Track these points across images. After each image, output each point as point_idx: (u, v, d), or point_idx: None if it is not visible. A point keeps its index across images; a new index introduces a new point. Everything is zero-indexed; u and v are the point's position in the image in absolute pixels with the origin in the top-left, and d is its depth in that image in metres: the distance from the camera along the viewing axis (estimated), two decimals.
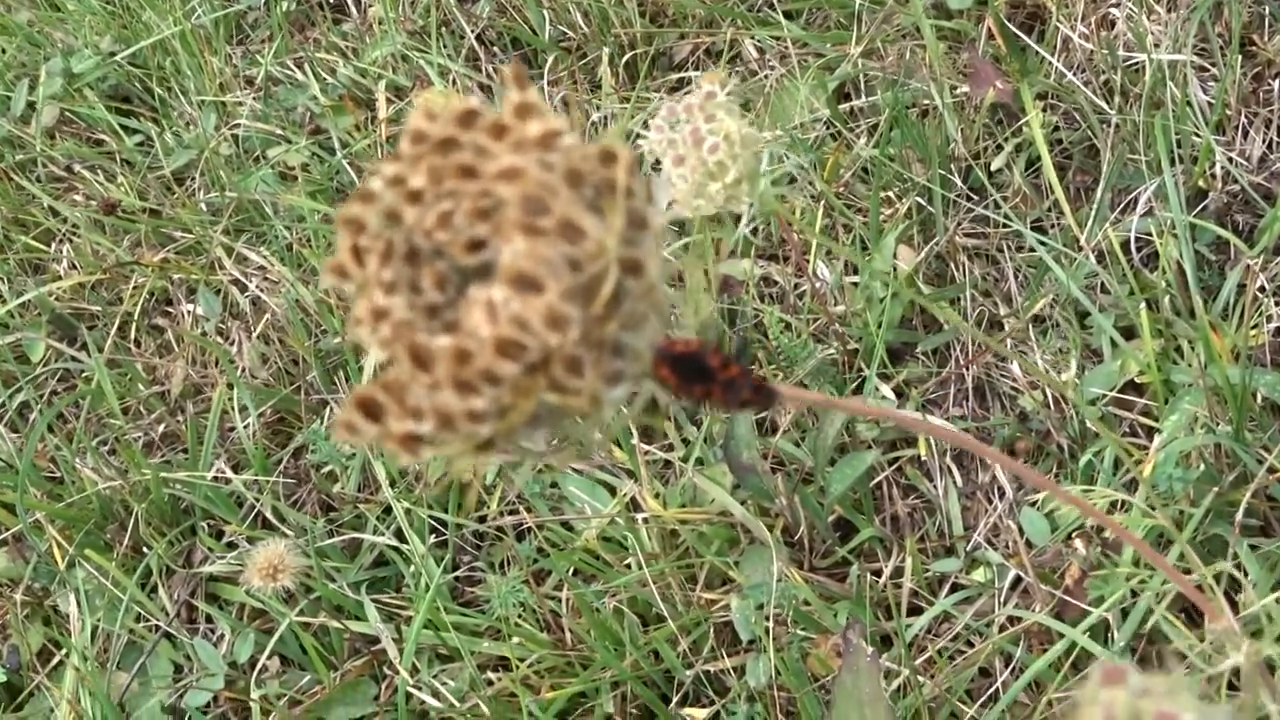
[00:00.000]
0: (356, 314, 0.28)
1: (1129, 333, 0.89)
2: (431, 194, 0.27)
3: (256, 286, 1.02)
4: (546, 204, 0.26)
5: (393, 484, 0.95)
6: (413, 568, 0.92)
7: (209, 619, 0.96)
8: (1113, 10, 0.97)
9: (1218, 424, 0.84)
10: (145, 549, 0.97)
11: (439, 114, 0.28)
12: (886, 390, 0.93)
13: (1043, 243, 0.92)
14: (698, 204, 0.56)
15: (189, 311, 1.04)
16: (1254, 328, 0.89)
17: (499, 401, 0.26)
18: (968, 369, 0.92)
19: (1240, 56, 0.95)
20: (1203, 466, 0.84)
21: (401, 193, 0.27)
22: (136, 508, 0.97)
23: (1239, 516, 0.80)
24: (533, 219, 0.26)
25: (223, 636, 0.95)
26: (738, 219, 0.99)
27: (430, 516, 0.94)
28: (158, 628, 0.96)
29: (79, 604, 0.96)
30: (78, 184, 1.13)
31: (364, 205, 0.28)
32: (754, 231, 0.98)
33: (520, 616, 0.90)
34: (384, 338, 0.27)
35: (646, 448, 0.94)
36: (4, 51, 1.19)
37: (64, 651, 0.96)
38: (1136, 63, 0.95)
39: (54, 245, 1.11)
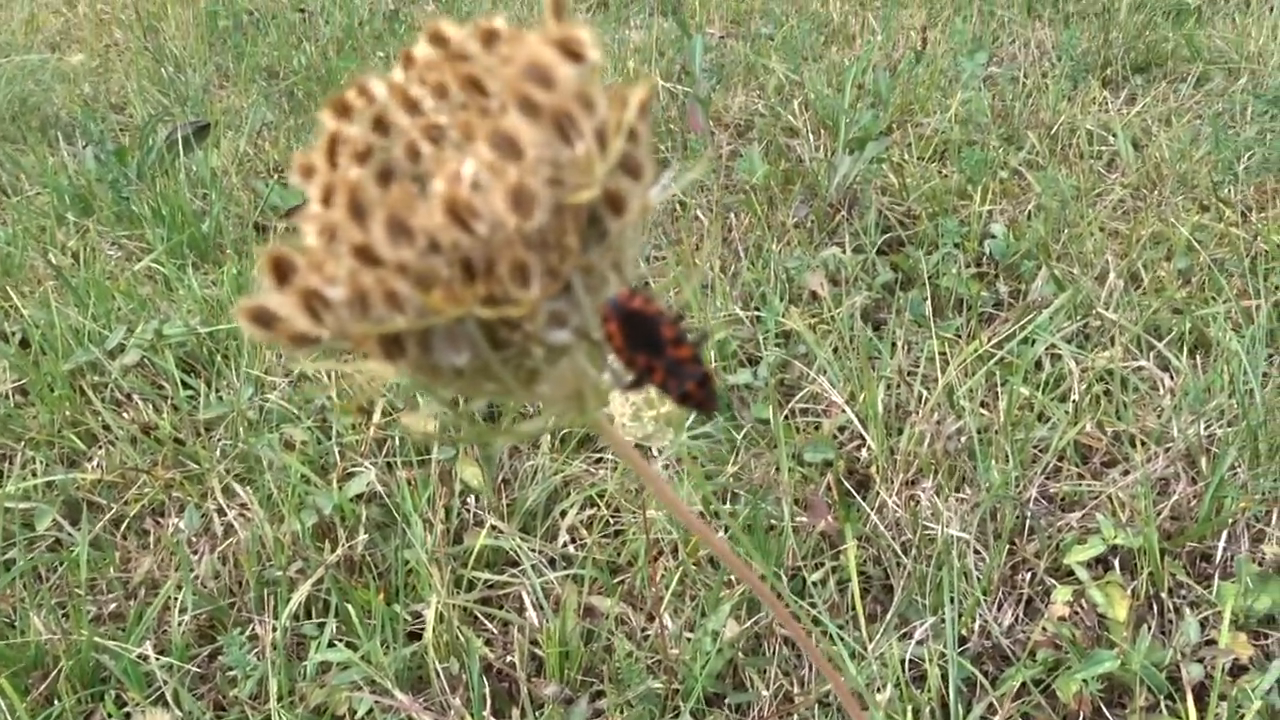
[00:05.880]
0: (301, 159, 0.25)
1: None
2: (431, 105, 0.25)
3: (234, 516, 1.28)
4: (552, 77, 0.23)
5: (280, 699, 1.14)
6: None
7: None
8: (920, 493, 1.31)
9: None
10: (56, 700, 1.14)
11: (461, 32, 0.25)
12: None
13: (842, 639, 1.18)
14: (633, 426, 0.61)
15: (174, 523, 1.29)
16: None
17: (428, 287, 0.23)
18: None
19: (1007, 549, 1.27)
20: None
21: (398, 98, 0.25)
22: (64, 662, 1.15)
23: None
24: (532, 89, 0.23)
25: None
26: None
27: None
28: None
29: None
30: (130, 409, 1.43)
31: (360, 98, 0.25)
32: (621, 581, 1.25)
33: None
34: (327, 191, 0.24)
35: None
36: (120, 307, 1.55)
37: None
38: (931, 531, 1.27)
39: (92, 448, 1.38)
